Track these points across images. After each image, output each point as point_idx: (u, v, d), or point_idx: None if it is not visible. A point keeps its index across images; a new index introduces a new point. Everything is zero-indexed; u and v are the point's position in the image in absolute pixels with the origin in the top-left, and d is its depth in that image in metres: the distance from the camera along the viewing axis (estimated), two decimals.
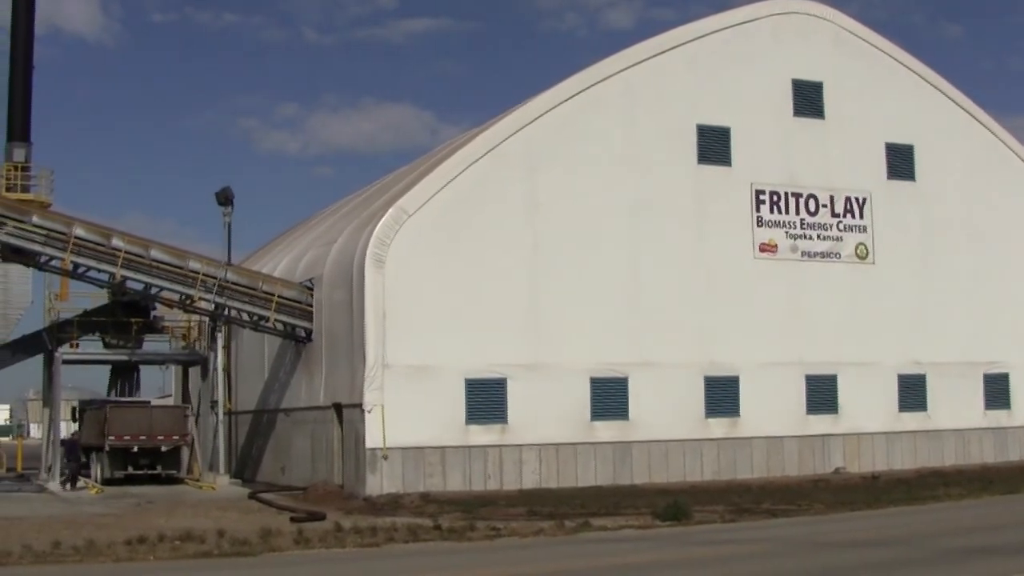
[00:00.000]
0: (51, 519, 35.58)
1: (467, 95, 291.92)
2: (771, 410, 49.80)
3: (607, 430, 47.09)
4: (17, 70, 65.12)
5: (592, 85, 48.88)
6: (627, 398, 47.58)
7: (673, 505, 33.53)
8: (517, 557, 26.05)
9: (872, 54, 54.64)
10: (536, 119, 47.94)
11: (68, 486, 50.49)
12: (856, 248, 52.85)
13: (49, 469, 55.20)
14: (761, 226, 51.03)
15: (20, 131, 64.21)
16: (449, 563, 25.11)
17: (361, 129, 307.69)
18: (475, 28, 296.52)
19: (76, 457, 52.74)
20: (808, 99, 52.75)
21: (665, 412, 47.83)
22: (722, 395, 49.14)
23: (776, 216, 51.25)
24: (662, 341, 48.15)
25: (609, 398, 47.24)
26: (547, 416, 45.99)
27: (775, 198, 51.36)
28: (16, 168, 61.98)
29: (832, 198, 52.56)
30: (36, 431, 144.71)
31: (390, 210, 45.71)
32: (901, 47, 55.70)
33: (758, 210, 51.06)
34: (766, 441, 49.78)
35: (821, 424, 51.02)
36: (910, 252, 53.85)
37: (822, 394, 51.16)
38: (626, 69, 49.52)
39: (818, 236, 52.05)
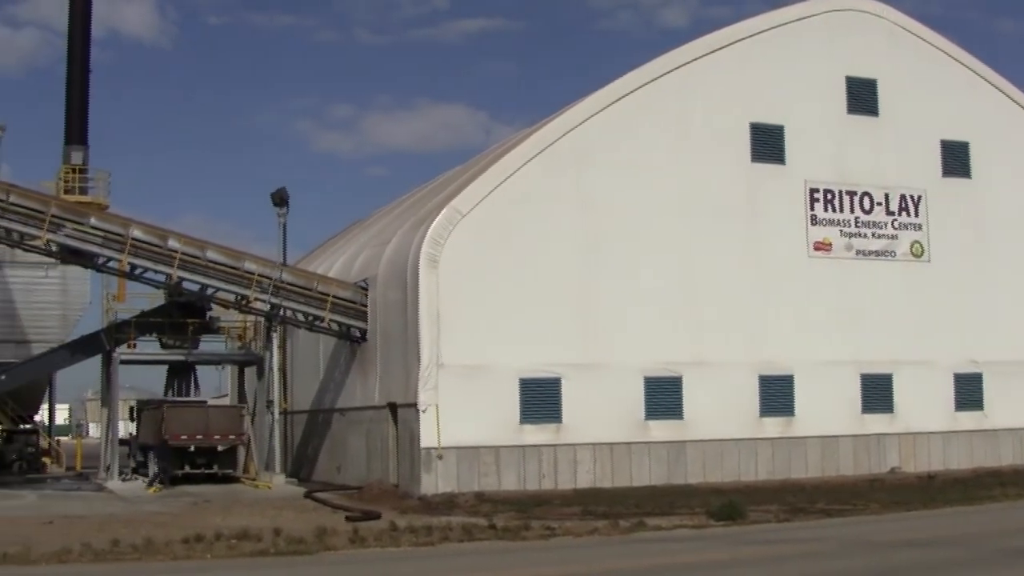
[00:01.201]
0: (110, 517, 35.86)
1: (521, 94, 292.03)
2: (826, 409, 49.58)
3: (661, 429, 47.03)
4: (74, 74, 65.84)
5: (645, 84, 48.83)
6: (681, 397, 47.50)
7: (728, 505, 33.47)
8: (571, 556, 26.08)
9: (926, 50, 54.30)
10: (588, 118, 47.96)
11: (157, 485, 50.70)
12: (911, 246, 52.57)
13: (107, 468, 55.65)
14: (815, 224, 50.85)
15: (78, 134, 64.94)
16: (503, 562, 25.17)
17: (415, 129, 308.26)
18: (529, 28, 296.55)
19: (165, 456, 52.76)
20: (862, 96, 52.50)
21: (719, 411, 47.68)
22: (777, 394, 48.99)
23: (830, 214, 51.05)
24: (716, 340, 48.05)
25: (663, 397, 47.19)
26: (601, 415, 45.96)
27: (829, 196, 51.17)
28: (74, 171, 62.73)
29: (887, 196, 52.30)
30: (94, 431, 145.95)
31: (444, 210, 45.85)
32: (956, 43, 55.37)
33: (812, 208, 50.89)
34: (821, 440, 49.58)
35: (876, 423, 50.76)
36: (965, 250, 53.49)
37: (877, 393, 50.90)
38: (679, 68, 49.44)
39: (873, 234, 51.82)
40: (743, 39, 50.75)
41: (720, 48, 50.30)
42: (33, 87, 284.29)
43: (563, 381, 45.80)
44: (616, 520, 32.38)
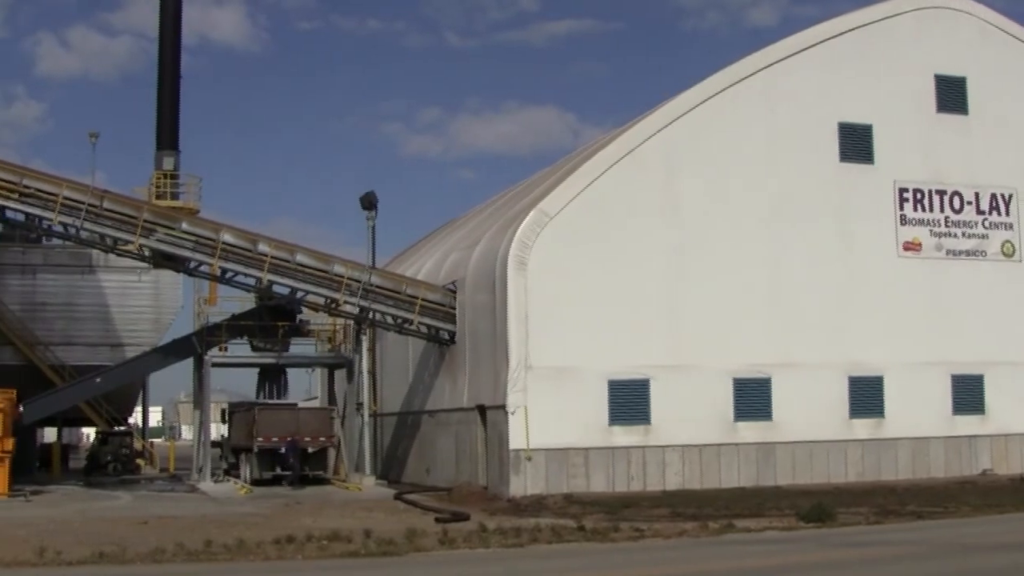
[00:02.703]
0: (202, 518, 36.25)
1: (609, 96, 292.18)
2: (916, 411, 49.14)
3: (750, 431, 46.88)
4: (165, 80, 66.39)
5: (732, 84, 48.70)
6: (770, 399, 47.30)
7: (817, 506, 33.33)
8: (661, 558, 26.07)
9: (1017, 47, 53.61)
10: (676, 119, 47.91)
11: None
12: (1002, 246, 52.00)
13: (200, 470, 56.27)
14: (905, 224, 50.44)
15: (169, 140, 65.50)
16: (593, 564, 25.18)
17: (503, 132, 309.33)
18: (618, 29, 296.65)
19: (296, 455, 53.24)
20: (951, 94, 52.00)
21: (809, 413, 47.41)
22: (866, 395, 48.62)
23: (920, 214, 50.63)
24: (805, 341, 47.78)
25: (752, 399, 47.02)
26: (690, 417, 45.87)
27: (919, 196, 50.74)
28: (165, 176, 63.33)
29: (977, 195, 51.76)
30: (187, 433, 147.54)
31: (532, 212, 45.98)
32: None
33: (901, 208, 50.48)
34: (911, 442, 49.14)
35: (968, 425, 50.24)
36: None
37: (969, 394, 50.38)
38: (766, 67, 49.26)
39: (963, 234, 51.32)
40: (831, 38, 50.42)
41: (808, 47, 50.02)
42: (127, 94, 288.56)
43: (651, 382, 45.77)
44: (705, 522, 32.35)
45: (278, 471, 53.00)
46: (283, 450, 52.80)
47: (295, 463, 52.71)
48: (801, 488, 44.13)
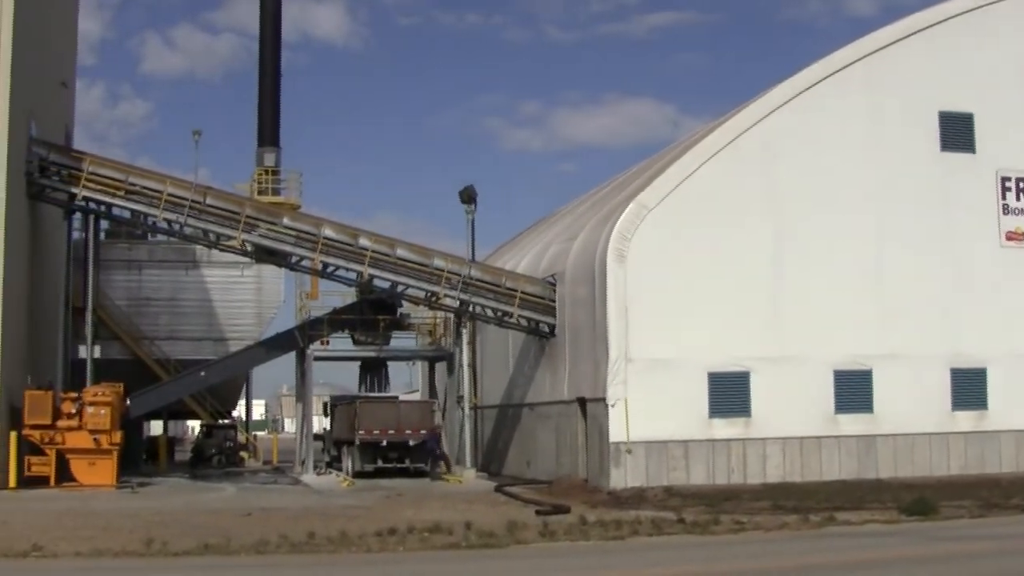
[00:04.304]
0: (305, 510, 36.58)
1: (709, 86, 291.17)
2: (1020, 402, 48.40)
3: (851, 423, 46.53)
4: (266, 77, 67.28)
5: (831, 74, 48.28)
6: (871, 391, 46.91)
7: (919, 500, 33.10)
8: (762, 551, 25.98)
9: None
10: (775, 109, 47.62)
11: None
12: None
13: (302, 462, 56.78)
14: (1007, 214, 49.69)
15: (270, 136, 66.41)
16: (694, 557, 25.21)
17: (603, 124, 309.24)
18: (718, 20, 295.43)
19: (437, 446, 53.84)
20: None
21: (910, 405, 46.96)
22: (969, 387, 48.04)
23: (1023, 203, 49.88)
24: (907, 332, 47.28)
25: (853, 391, 46.66)
26: (790, 409, 45.64)
27: (1021, 185, 49.95)
28: (267, 172, 64.14)
29: None
30: (289, 426, 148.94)
31: (631, 205, 45.96)
32: None
33: (1004, 197, 49.75)
34: (1015, 434, 48.44)
35: None
36: None
37: None
38: (866, 56, 48.76)
39: None
40: (932, 25, 49.74)
41: (908, 35, 49.43)
42: (229, 91, 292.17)
43: (752, 375, 45.61)
44: (806, 515, 32.23)
45: (380, 464, 53.32)
46: (423, 442, 53.55)
47: (440, 452, 53.50)
48: (903, 481, 43.76)
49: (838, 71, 48.38)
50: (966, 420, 47.90)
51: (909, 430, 46.93)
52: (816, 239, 46.96)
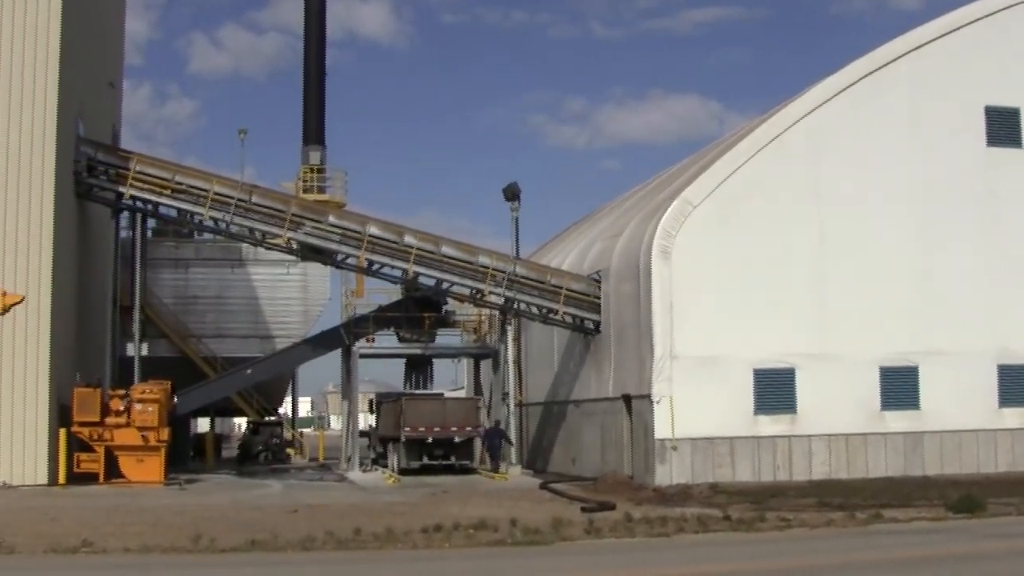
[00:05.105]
0: (351, 507, 36.67)
1: (754, 82, 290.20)
2: None
3: (897, 420, 46.30)
4: (311, 76, 67.46)
5: (876, 69, 48.02)
6: (918, 387, 46.66)
7: (966, 497, 32.84)
8: (808, 548, 25.89)
9: None
10: (820, 106, 47.42)
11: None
12: None
13: (348, 459, 56.97)
14: None
15: (315, 135, 66.55)
16: (739, 554, 25.15)
17: (648, 121, 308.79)
18: (763, 15, 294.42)
19: (501, 442, 54.21)
20: None
21: (957, 402, 46.65)
22: (1017, 384, 47.61)
23: None
24: (953, 329, 46.94)
25: (899, 387, 46.43)
26: (836, 406, 45.48)
27: None
28: (312, 170, 64.34)
29: None
30: (335, 423, 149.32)
31: (675, 201, 45.90)
32: None
33: None
34: None
35: None
36: None
37: None
38: (910, 52, 48.45)
39: None
40: (977, 20, 49.31)
41: (953, 30, 49.03)
42: (275, 90, 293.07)
43: (797, 371, 45.48)
44: (852, 512, 32.09)
45: (425, 461, 53.46)
46: (487, 436, 54.07)
47: (500, 444, 53.72)
48: (950, 478, 43.50)
49: (883, 66, 48.12)
50: (1013, 417, 47.54)
51: (956, 427, 46.63)
52: (861, 234, 46.76)
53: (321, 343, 58.07)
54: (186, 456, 65.02)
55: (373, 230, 50.38)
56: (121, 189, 50.27)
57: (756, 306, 45.21)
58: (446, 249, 50.88)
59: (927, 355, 46.62)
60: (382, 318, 56.62)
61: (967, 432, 46.82)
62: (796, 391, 45.47)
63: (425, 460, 53.58)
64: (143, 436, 47.59)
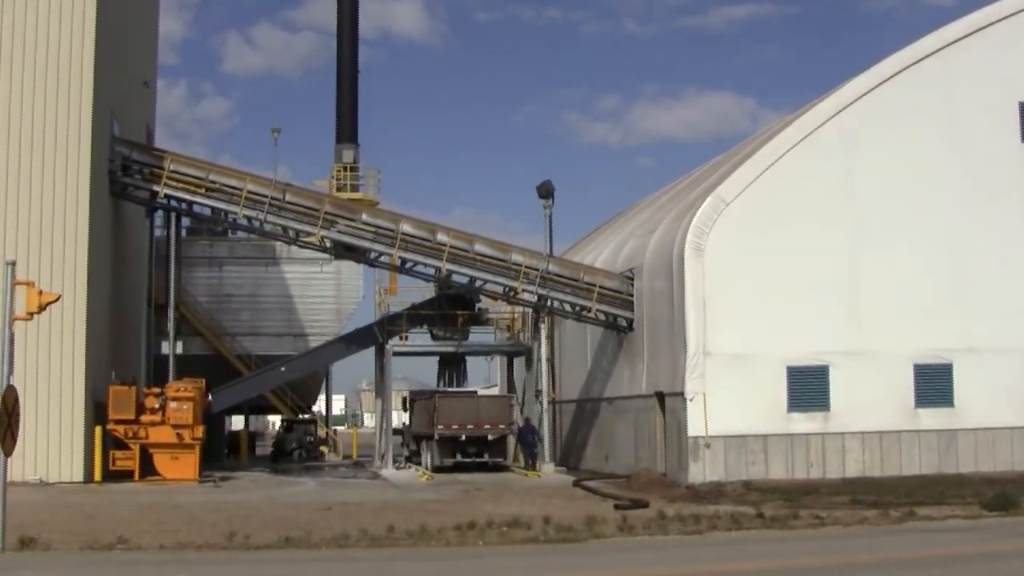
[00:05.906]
0: (385, 504, 36.81)
1: (788, 79, 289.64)
2: None
3: (931, 417, 46.09)
4: (344, 75, 67.65)
5: (909, 66, 47.78)
6: (952, 385, 46.43)
7: (1001, 495, 32.74)
8: (842, 546, 25.86)
9: None
10: (852, 102, 47.25)
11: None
12: None
13: (382, 457, 57.12)
14: None
15: (348, 133, 66.77)
16: (773, 551, 25.12)
17: (682, 118, 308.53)
18: (796, 12, 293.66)
19: (536, 438, 54.32)
20: None
21: (992, 399, 46.28)
22: None
23: None
24: (987, 325, 46.63)
25: (933, 384, 46.20)
26: (870, 403, 45.28)
27: None
28: (345, 168, 64.50)
29: None
30: (369, 420, 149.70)
31: (708, 199, 45.84)
32: None
33: None
34: None
35: None
36: None
37: None
38: (943, 48, 48.17)
39: None
40: (1010, 16, 48.96)
41: (986, 26, 48.69)
42: (309, 89, 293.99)
43: (831, 369, 45.32)
44: (886, 510, 32.04)
45: (459, 458, 53.53)
46: (520, 435, 54.38)
47: (534, 442, 53.83)
48: (984, 476, 43.35)
49: (916, 62, 47.89)
50: None
51: (990, 424, 46.36)
52: (895, 231, 46.56)
53: (354, 341, 58.23)
54: (220, 454, 65.33)
55: (406, 228, 50.47)
56: (155, 188, 50.51)
57: (789, 302, 45.07)
58: (479, 247, 50.93)
59: (961, 352, 46.39)
60: (415, 316, 56.74)
61: (1001, 430, 46.54)
62: (830, 388, 45.30)
63: (458, 458, 53.62)
64: (178, 434, 47.84)
